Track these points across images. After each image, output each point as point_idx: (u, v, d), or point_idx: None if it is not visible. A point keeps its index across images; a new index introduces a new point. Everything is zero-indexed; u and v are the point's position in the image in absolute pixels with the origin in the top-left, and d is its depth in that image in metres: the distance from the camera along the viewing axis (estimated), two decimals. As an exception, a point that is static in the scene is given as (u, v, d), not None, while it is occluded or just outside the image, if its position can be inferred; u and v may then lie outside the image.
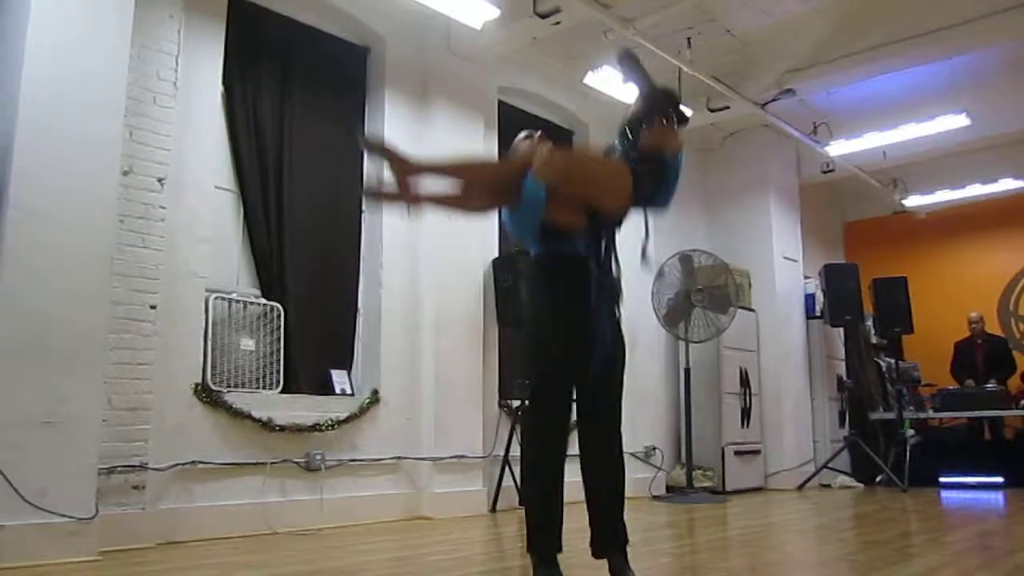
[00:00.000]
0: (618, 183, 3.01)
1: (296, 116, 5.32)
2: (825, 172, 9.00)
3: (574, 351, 2.99)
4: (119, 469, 4.02)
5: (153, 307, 4.26)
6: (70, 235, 3.74)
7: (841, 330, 9.06)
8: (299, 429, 4.84)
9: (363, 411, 5.21)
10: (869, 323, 9.13)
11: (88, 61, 3.90)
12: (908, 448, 7.87)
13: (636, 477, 7.08)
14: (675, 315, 7.14)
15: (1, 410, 3.47)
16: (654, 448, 7.24)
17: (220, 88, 4.90)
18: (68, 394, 3.64)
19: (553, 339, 3.00)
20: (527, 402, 3.26)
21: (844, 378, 9.00)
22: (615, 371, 3.12)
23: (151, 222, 4.31)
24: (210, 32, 4.82)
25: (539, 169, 2.89)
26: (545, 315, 3.05)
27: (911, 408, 8.49)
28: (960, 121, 7.64)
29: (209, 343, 4.61)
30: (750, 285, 8.44)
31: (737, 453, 7.74)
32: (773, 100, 7.41)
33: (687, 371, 7.25)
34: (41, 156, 3.70)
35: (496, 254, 6.32)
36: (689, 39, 6.50)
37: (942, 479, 8.21)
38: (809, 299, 8.97)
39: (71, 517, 3.57)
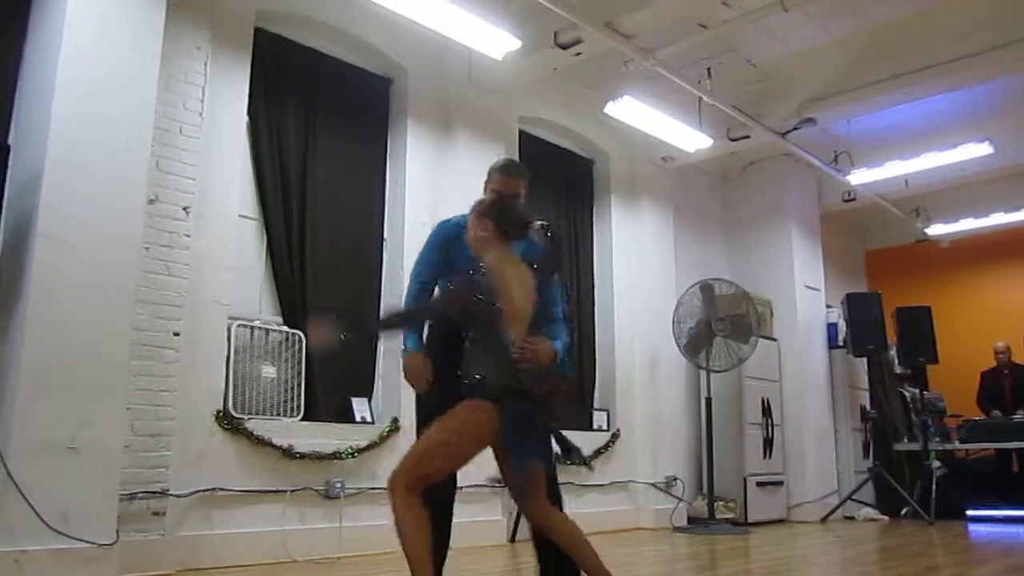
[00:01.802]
0: None
1: (319, 146, 5.38)
2: (846, 201, 8.96)
3: None
4: (140, 495, 4.04)
5: (176, 334, 4.30)
6: (96, 263, 3.78)
7: (864, 360, 8.97)
8: (319, 457, 4.84)
9: (383, 439, 5.20)
10: (893, 353, 9.04)
11: (117, 92, 3.97)
12: (934, 480, 7.75)
13: (657, 508, 7.02)
14: (696, 344, 7.11)
15: (25, 434, 3.51)
16: (675, 478, 7.18)
17: (245, 118, 4.98)
18: (91, 420, 3.67)
19: None
20: None
21: (868, 408, 8.89)
22: None
23: (176, 250, 4.36)
24: (236, 63, 4.90)
25: None
26: None
27: (937, 439, 8.37)
28: (983, 149, 7.59)
29: (231, 370, 4.64)
30: (772, 314, 8.39)
31: (759, 484, 7.65)
32: (794, 129, 7.42)
33: (708, 400, 7.20)
34: (69, 185, 3.75)
35: (516, 282, 6.32)
36: (709, 69, 6.53)
37: (969, 512, 8.06)
38: (831, 328, 8.89)
39: (92, 543, 3.58)
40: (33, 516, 3.44)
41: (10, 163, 3.66)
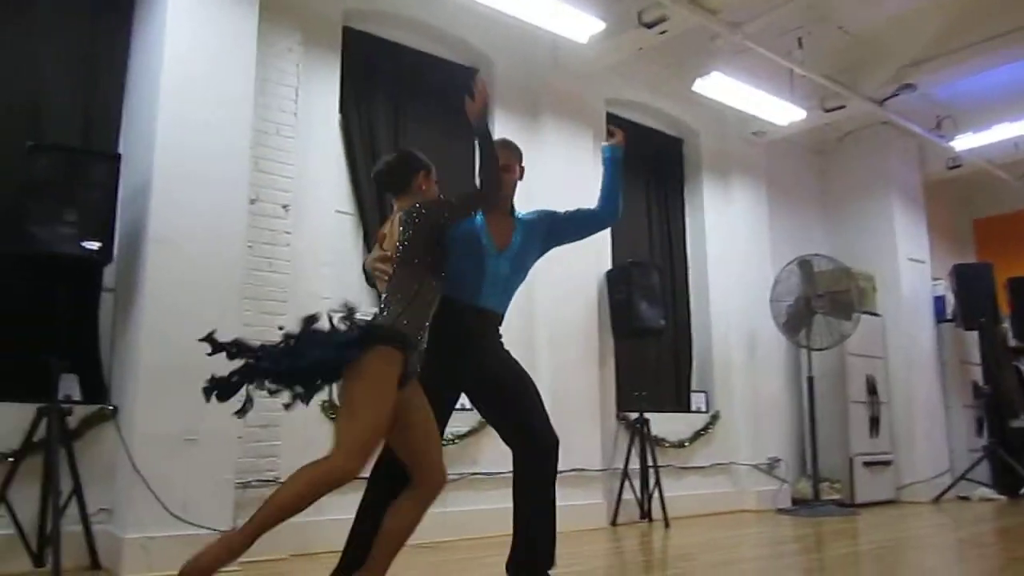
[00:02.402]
0: None
1: (409, 139, 5.46)
2: (951, 168, 8.61)
3: None
4: (253, 483, 4.21)
5: (281, 328, 4.44)
6: (204, 262, 3.97)
7: (976, 333, 8.60)
8: (421, 444, 4.93)
9: (483, 425, 5.26)
10: (1006, 325, 8.64)
11: (216, 99, 4.14)
12: (1055, 457, 7.40)
13: (759, 490, 6.92)
14: (795, 323, 6.96)
15: (147, 428, 3.72)
16: (778, 460, 7.05)
17: (337, 115, 5.10)
18: (207, 413, 3.83)
19: None
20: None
21: (981, 384, 8.53)
22: None
23: (277, 247, 4.52)
24: (326, 62, 5.03)
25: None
26: None
27: (1057, 415, 7.97)
28: (1101, 108, 7.17)
29: (334, 362, 4.76)
30: (874, 289, 8.13)
31: (866, 464, 7.44)
32: (892, 96, 7.15)
33: (810, 379, 7.04)
34: (176, 190, 3.95)
35: (609, 266, 6.31)
36: (800, 39, 6.35)
37: (1095, 490, 7.67)
38: (939, 302, 8.55)
39: (212, 529, 3.76)
40: (157, 505, 3.65)
41: (121, 171, 3.86)
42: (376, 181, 3.06)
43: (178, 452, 3.76)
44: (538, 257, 3.45)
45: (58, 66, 4.15)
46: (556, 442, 3.19)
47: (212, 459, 3.85)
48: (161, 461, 3.72)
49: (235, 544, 2.41)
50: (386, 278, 2.79)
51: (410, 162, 2.96)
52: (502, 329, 3.31)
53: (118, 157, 3.91)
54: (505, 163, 3.21)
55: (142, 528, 3.63)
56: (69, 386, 3.89)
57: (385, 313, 2.68)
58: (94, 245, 3.67)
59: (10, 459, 3.55)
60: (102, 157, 3.90)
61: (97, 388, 4.03)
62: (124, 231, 3.99)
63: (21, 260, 3.69)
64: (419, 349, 2.73)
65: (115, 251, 3.87)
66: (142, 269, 3.87)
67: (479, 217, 3.20)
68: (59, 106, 4.12)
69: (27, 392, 3.69)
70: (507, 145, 3.36)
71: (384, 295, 2.77)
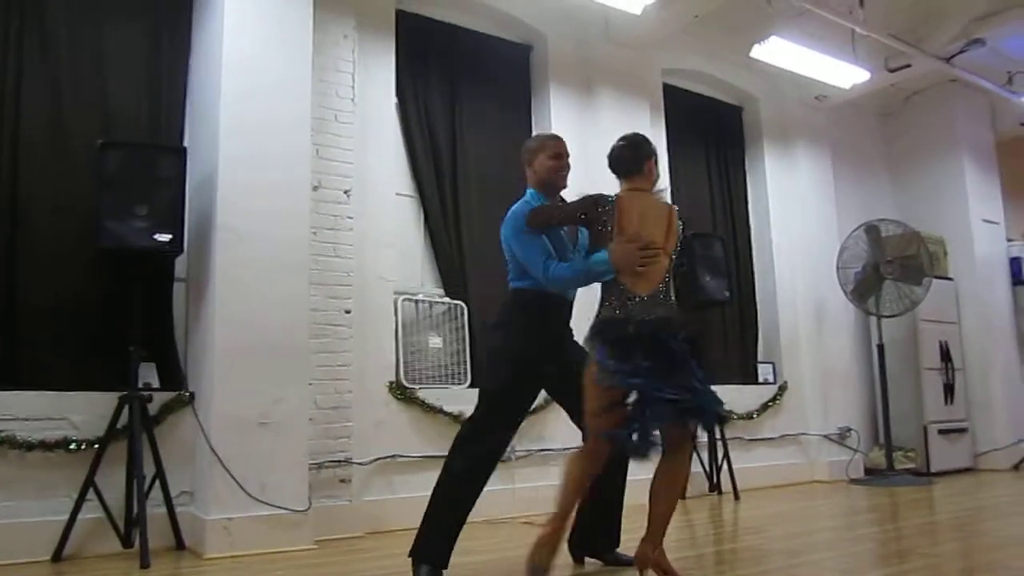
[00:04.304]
0: None
1: (466, 119, 5.48)
2: (1025, 125, 8.29)
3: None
4: (327, 464, 4.31)
5: (347, 312, 4.54)
6: (271, 250, 4.05)
7: (1055, 295, 8.31)
8: (488, 421, 4.98)
9: (548, 401, 5.28)
10: (1088, 286, 8.32)
11: (275, 90, 4.21)
12: None
13: (831, 460, 6.82)
14: (864, 289, 6.81)
15: (224, 412, 3.83)
16: (849, 429, 6.94)
17: (394, 99, 5.14)
18: (279, 396, 3.95)
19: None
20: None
21: (1061, 347, 8.24)
22: None
23: (340, 232, 4.59)
24: (381, 47, 5.07)
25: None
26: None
27: None
28: None
29: (400, 343, 4.85)
30: (946, 253, 7.90)
31: (941, 432, 7.27)
32: (960, 52, 6.90)
33: (881, 347, 6.90)
34: (241, 180, 4.04)
35: (670, 239, 6.26)
36: (861, -2, 6.17)
37: None
38: (1015, 264, 8.26)
39: (288, 509, 3.87)
40: (236, 487, 3.77)
41: (188, 164, 3.95)
42: (613, 162, 3.15)
43: (254, 435, 3.87)
44: None
45: (123, 65, 4.26)
46: None
47: (286, 441, 3.95)
48: (238, 444, 3.83)
49: (554, 535, 2.92)
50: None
51: (643, 146, 3.14)
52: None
53: (184, 151, 4.01)
54: (557, 151, 3.33)
55: (223, 509, 3.75)
56: (148, 374, 4.03)
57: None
58: (165, 237, 3.77)
59: (96, 445, 3.70)
60: (169, 151, 4.00)
61: (174, 375, 4.16)
62: (193, 222, 4.10)
63: (98, 255, 3.82)
64: None
65: (185, 242, 3.98)
66: (212, 258, 3.97)
67: None
68: (126, 104, 4.23)
69: (109, 381, 3.83)
70: (557, 136, 3.44)
71: (662, 286, 3.04)
